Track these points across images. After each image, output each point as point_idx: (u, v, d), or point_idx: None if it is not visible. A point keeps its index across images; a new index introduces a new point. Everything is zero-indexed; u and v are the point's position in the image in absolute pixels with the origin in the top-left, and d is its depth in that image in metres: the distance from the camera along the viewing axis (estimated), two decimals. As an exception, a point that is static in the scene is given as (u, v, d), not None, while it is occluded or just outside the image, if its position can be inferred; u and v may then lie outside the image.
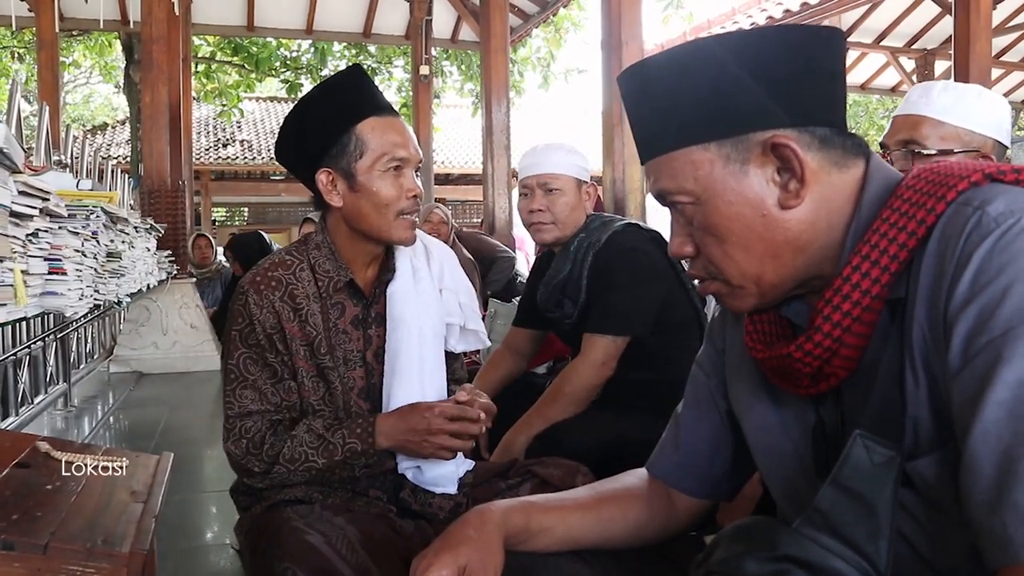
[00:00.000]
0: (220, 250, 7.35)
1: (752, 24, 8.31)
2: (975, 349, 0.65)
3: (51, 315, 3.32)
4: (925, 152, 1.51)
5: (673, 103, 0.80)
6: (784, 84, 0.77)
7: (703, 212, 0.80)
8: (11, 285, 1.82)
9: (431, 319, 1.48)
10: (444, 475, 1.45)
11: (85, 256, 2.59)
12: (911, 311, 0.73)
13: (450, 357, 1.57)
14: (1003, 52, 9.77)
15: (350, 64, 1.52)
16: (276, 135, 1.49)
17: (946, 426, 0.69)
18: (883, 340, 0.76)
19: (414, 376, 1.42)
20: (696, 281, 0.89)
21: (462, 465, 1.49)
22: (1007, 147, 1.55)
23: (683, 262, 2.14)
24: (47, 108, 3.61)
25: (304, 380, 1.40)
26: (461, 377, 1.65)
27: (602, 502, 1.03)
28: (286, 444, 1.35)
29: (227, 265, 7.12)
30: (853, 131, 0.82)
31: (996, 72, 9.81)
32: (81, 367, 4.86)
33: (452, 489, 1.46)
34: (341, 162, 1.38)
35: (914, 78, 9.81)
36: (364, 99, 1.42)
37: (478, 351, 3.19)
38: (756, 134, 0.77)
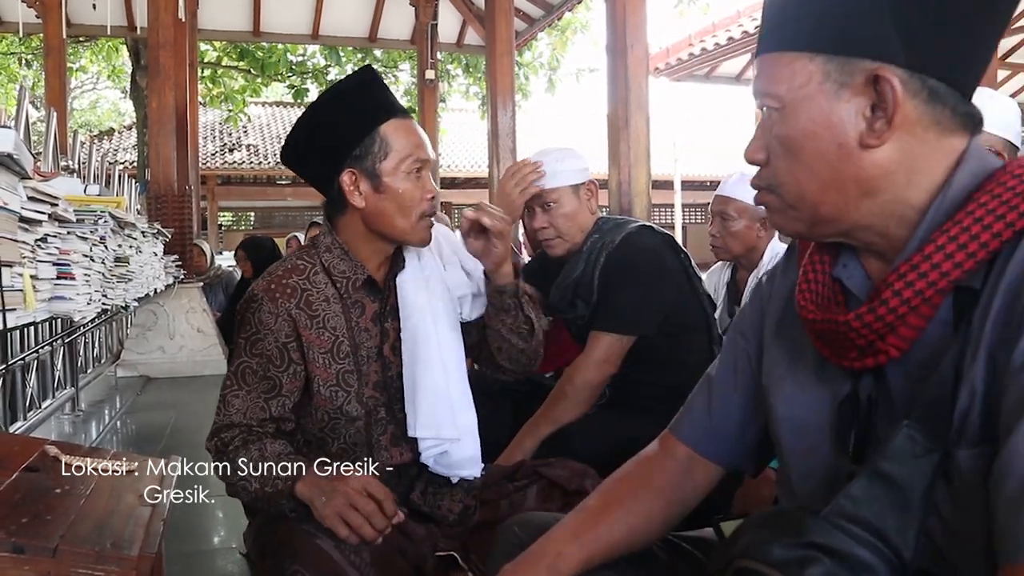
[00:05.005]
0: (225, 255, 7.37)
1: (757, 27, 8.28)
2: None
3: (59, 320, 3.33)
4: None
5: (807, 2, 0.77)
6: (916, 21, 0.73)
7: (784, 121, 0.78)
8: (21, 290, 1.83)
9: (442, 301, 1.48)
10: (468, 458, 1.45)
11: (93, 261, 2.61)
12: (986, 303, 0.70)
13: (467, 327, 1.56)
14: (1009, 53, 9.75)
15: (359, 67, 1.52)
16: (284, 139, 1.48)
17: (994, 423, 0.68)
18: (942, 327, 0.74)
19: (435, 360, 1.42)
20: (754, 192, 0.87)
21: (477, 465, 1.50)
22: (1018, 147, 1.57)
23: (696, 266, 2.15)
24: (55, 114, 3.63)
25: (320, 389, 1.39)
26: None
27: (609, 512, 0.99)
28: (238, 456, 1.31)
29: (228, 269, 7.13)
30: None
31: (1002, 73, 9.79)
32: (88, 371, 4.87)
33: (477, 471, 1.46)
34: (365, 162, 1.38)
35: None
36: (385, 100, 1.42)
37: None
38: (864, 62, 0.74)
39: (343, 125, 1.39)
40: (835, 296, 0.83)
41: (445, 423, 1.41)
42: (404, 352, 1.43)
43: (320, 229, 1.50)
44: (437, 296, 1.48)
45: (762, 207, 0.86)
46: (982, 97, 1.54)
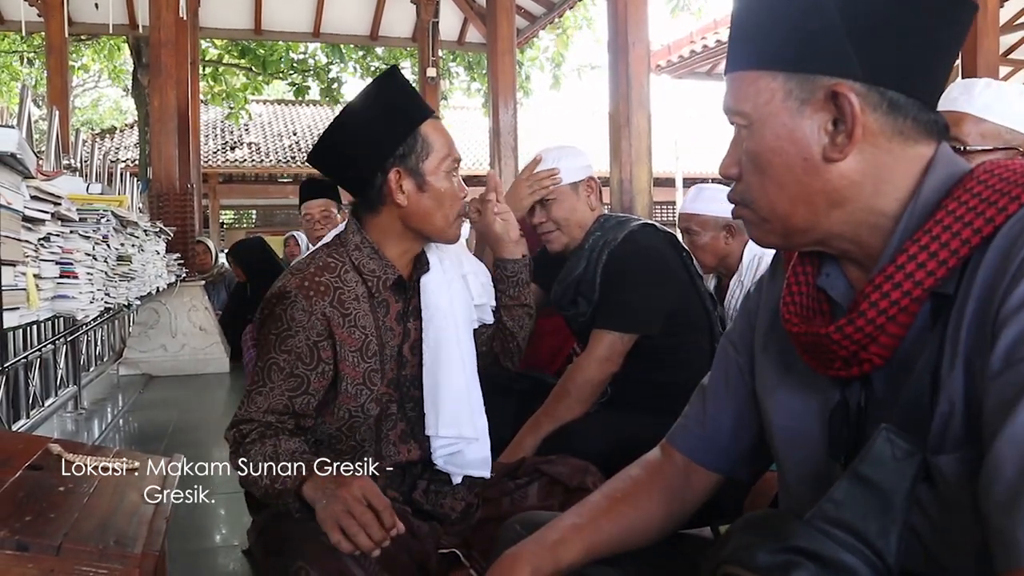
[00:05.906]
0: (224, 252, 7.39)
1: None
2: (1020, 354, 0.64)
3: (61, 318, 3.33)
4: (967, 149, 1.51)
5: (767, 22, 0.79)
6: (872, 35, 0.74)
7: (752, 138, 0.80)
8: (24, 289, 1.83)
9: (462, 306, 1.52)
10: (481, 459, 1.47)
11: (96, 260, 2.61)
12: (960, 308, 0.71)
13: (478, 330, 1.62)
14: (1011, 50, 9.72)
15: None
16: (316, 141, 1.47)
17: (975, 426, 0.69)
18: (921, 333, 0.75)
19: (456, 362, 1.45)
20: (713, 204, 0.89)
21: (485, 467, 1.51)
22: None
23: (699, 266, 2.16)
24: (57, 112, 3.62)
25: (347, 387, 1.39)
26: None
27: (612, 508, 1.01)
28: (252, 450, 1.31)
29: (231, 268, 7.14)
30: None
31: (1004, 70, 9.76)
32: (91, 370, 4.88)
33: (487, 472, 1.48)
34: (409, 161, 1.40)
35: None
36: (421, 101, 1.47)
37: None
38: (823, 78, 0.76)
39: (387, 124, 1.41)
40: (819, 306, 0.85)
41: (466, 423, 1.44)
42: (426, 353, 1.45)
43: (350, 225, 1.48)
44: (458, 299, 1.51)
45: (722, 217, 0.88)
46: (1011, 95, 1.54)
